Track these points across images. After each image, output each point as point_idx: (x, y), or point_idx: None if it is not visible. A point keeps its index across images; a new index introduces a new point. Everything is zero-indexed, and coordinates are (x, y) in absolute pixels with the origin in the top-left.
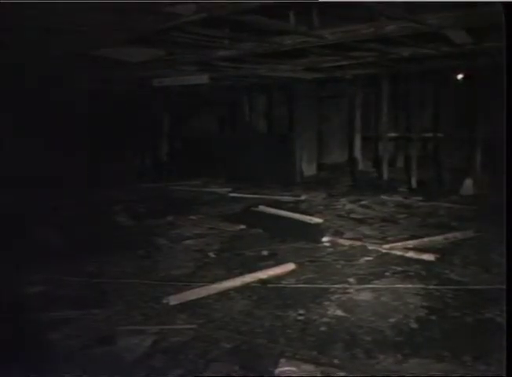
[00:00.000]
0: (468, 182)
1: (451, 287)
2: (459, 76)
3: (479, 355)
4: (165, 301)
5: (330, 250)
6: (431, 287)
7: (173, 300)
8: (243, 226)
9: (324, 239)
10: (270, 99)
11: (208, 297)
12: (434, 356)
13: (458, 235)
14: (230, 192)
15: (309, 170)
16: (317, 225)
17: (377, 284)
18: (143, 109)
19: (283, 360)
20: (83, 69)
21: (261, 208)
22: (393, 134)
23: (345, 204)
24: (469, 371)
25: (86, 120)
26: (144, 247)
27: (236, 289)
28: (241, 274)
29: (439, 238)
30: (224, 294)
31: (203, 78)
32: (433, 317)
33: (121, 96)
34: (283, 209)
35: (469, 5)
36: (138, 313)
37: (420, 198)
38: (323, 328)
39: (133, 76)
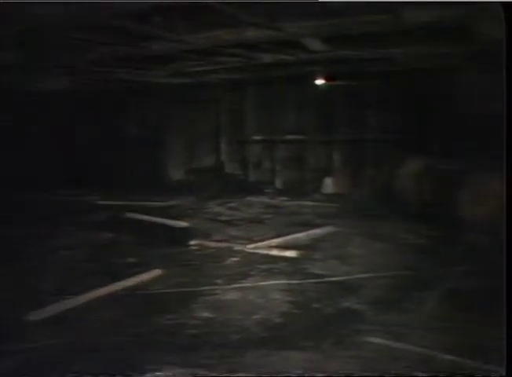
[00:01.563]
0: (328, 181)
1: (313, 280)
2: (321, 81)
3: (337, 341)
4: (30, 316)
5: (198, 253)
6: (294, 282)
7: (39, 314)
8: (111, 234)
9: (192, 242)
10: (140, 104)
11: (76, 308)
12: (298, 347)
13: (319, 231)
14: (99, 199)
15: (178, 174)
16: (184, 229)
17: (243, 283)
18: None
19: (151, 366)
20: None
21: (130, 215)
22: (258, 137)
23: (213, 207)
24: (328, 356)
25: None
26: (11, 259)
27: (104, 298)
28: (109, 283)
29: (302, 235)
30: (91, 304)
31: (63, 82)
32: (296, 311)
33: None
34: (152, 214)
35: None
36: None
37: (285, 198)
38: (192, 331)
39: None
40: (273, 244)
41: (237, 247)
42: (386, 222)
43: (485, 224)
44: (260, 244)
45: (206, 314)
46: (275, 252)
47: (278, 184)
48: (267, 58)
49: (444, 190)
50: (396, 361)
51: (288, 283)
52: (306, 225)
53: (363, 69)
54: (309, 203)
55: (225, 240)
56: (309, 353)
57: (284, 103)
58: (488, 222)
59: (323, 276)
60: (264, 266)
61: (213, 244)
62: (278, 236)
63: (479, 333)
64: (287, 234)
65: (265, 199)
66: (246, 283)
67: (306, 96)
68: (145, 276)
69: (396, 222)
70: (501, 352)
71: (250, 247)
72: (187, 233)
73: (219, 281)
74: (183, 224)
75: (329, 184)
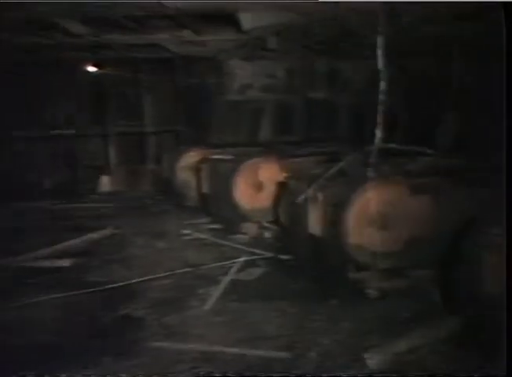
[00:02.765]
0: (105, 179)
1: (90, 290)
2: (91, 68)
3: (119, 352)
4: None
5: None
6: (69, 294)
7: None
8: None
9: None
10: None
11: None
12: (74, 366)
13: (96, 235)
14: None
15: None
16: None
17: (12, 303)
18: None
19: None
20: None
21: None
22: (19, 133)
23: None
24: (108, 370)
25: None
26: None
27: None
28: None
29: (77, 241)
30: None
31: None
32: (72, 326)
33: None
34: None
35: None
36: None
37: (57, 201)
38: None
39: None
40: (45, 255)
41: (1, 262)
42: (168, 219)
43: (260, 213)
44: (29, 256)
45: None
46: (47, 263)
47: (47, 185)
48: (22, 41)
49: (222, 181)
50: (180, 363)
51: (63, 296)
52: (82, 230)
53: (135, 55)
54: (85, 205)
55: None
56: (88, 371)
57: (49, 93)
58: (261, 211)
59: (101, 284)
60: (34, 280)
61: None
62: (50, 244)
63: (261, 322)
64: (61, 241)
65: (33, 204)
66: (16, 302)
67: (75, 86)
68: None
69: (178, 218)
70: None
71: (17, 261)
72: None
73: None
74: None
75: (106, 183)
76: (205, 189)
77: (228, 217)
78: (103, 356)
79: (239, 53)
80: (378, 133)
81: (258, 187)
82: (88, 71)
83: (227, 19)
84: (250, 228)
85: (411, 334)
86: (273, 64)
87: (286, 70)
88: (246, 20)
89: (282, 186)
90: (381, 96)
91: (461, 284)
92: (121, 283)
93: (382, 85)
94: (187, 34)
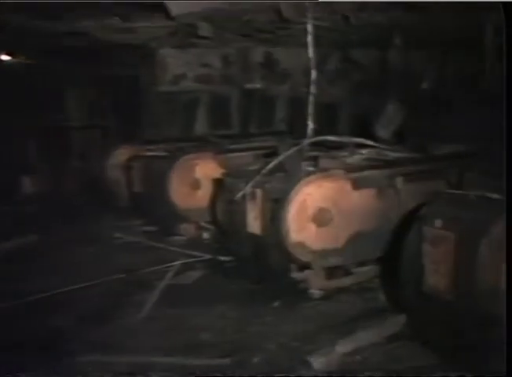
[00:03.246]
0: (26, 179)
1: (14, 301)
2: (7, 57)
3: (49, 366)
4: None
5: None
6: None
7: None
8: None
9: None
10: None
11: None
12: None
13: (18, 241)
14: None
15: None
16: None
17: None
18: None
19: None
20: None
21: None
22: None
23: None
24: None
25: None
26: None
27: None
28: None
29: None
30: None
31: None
32: None
33: None
34: None
35: None
36: None
37: None
38: None
39: None
40: None
41: None
42: (97, 221)
43: (197, 212)
44: None
45: None
46: None
47: None
48: None
49: (155, 179)
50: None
51: None
52: (3, 236)
53: (58, 43)
54: (5, 208)
55: None
56: None
57: None
58: (198, 210)
59: (25, 294)
60: None
61: None
62: None
63: (201, 328)
64: None
65: None
66: None
67: None
68: None
69: (109, 220)
70: None
71: None
72: None
73: None
74: None
75: (28, 183)
76: (137, 189)
77: (164, 218)
78: (27, 371)
79: (171, 41)
80: (311, 125)
81: (195, 185)
82: (2, 60)
83: (155, 4)
84: (187, 229)
85: (357, 334)
86: (207, 53)
87: (221, 59)
88: (174, 6)
89: (219, 183)
90: (312, 86)
91: (406, 280)
92: (47, 293)
93: (313, 74)
94: (114, 20)
